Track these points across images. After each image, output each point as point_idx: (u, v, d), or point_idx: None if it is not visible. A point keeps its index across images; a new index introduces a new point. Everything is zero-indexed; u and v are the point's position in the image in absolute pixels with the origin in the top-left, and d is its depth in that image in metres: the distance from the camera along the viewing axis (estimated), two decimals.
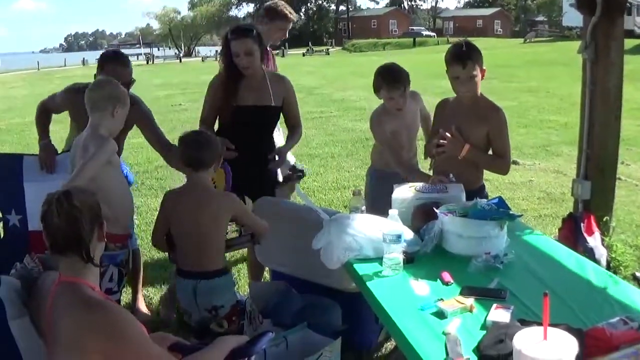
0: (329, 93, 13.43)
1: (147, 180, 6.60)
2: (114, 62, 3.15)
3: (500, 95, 11.50)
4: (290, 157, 3.52)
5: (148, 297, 3.74)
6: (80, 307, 1.68)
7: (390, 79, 3.02)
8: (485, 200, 2.51)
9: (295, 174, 3.52)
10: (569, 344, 1.46)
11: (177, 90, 14.57)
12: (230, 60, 3.12)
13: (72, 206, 1.74)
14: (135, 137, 9.40)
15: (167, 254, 2.83)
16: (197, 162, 2.53)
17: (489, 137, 2.83)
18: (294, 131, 3.36)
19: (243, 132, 3.23)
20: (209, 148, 2.56)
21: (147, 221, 5.12)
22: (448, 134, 2.82)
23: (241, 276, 4.05)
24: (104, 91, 2.66)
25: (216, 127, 3.34)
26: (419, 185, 2.77)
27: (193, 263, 2.53)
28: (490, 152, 2.88)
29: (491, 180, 6.00)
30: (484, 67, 2.79)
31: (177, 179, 6.58)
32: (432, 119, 3.10)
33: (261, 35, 3.14)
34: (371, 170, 3.44)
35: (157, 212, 2.65)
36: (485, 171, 2.98)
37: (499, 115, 2.82)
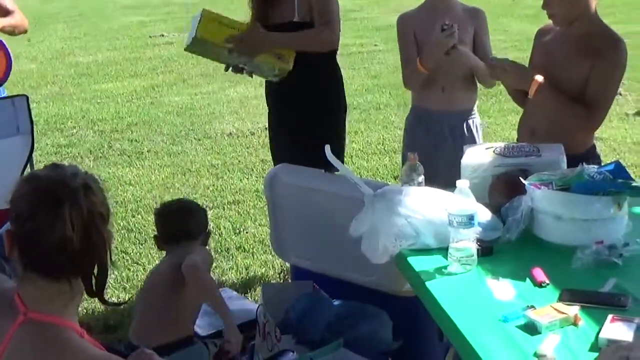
0: (372, 17, 13.34)
1: (117, 142, 6.71)
2: None
3: (622, 15, 11.26)
4: None
5: None
6: None
7: None
8: (596, 166, 2.49)
9: None
10: None
11: (157, 15, 14.63)
12: None
13: (95, 212, 1.64)
14: (99, 83, 9.59)
15: None
16: (176, 234, 2.97)
17: (590, 74, 2.81)
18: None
19: None
20: (191, 215, 3.02)
21: (117, 201, 5.22)
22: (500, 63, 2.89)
23: (250, 274, 4.12)
24: None
25: None
26: (498, 146, 2.78)
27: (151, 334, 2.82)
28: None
29: (606, 139, 5.95)
30: None
31: (159, 139, 6.68)
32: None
33: None
34: (410, 113, 3.65)
35: None
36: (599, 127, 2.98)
37: (616, 50, 2.81)
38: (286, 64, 3.32)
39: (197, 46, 3.32)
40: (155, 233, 3.13)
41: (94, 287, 1.67)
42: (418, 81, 3.41)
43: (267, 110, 3.75)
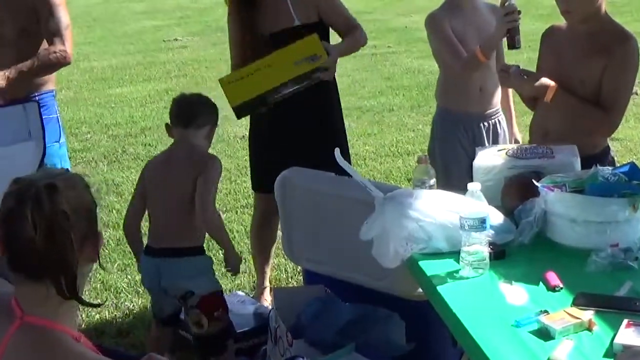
0: (385, 19, 13.32)
1: (131, 146, 6.72)
2: None
3: (632, 14, 11.19)
4: None
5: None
6: None
7: None
8: (610, 168, 2.47)
9: None
10: None
11: (171, 20, 14.68)
12: None
13: (58, 211, 1.63)
14: (113, 87, 9.58)
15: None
16: (186, 117, 3.08)
17: (603, 76, 2.80)
18: (348, 36, 3.50)
19: None
20: (202, 105, 3.15)
21: None
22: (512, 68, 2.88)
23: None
24: None
25: None
26: (511, 148, 2.76)
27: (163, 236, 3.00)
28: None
29: (622, 140, 5.90)
30: None
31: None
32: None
33: None
34: (436, 116, 3.57)
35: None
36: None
37: (627, 46, 2.80)
38: (323, 59, 3.26)
39: (244, 111, 3.37)
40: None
41: (65, 289, 1.65)
42: (478, 68, 3.30)
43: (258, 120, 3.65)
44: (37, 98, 3.58)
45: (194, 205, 2.98)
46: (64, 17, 3.53)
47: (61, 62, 3.53)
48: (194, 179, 2.99)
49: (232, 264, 3.14)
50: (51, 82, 3.70)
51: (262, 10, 3.38)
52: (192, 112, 3.13)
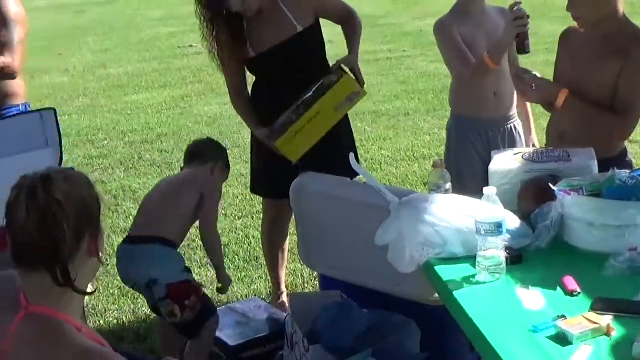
0: (400, 23, 13.31)
1: (147, 153, 6.76)
2: None
3: None
4: None
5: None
6: None
7: None
8: (628, 171, 2.46)
9: None
10: None
11: (186, 26, 14.73)
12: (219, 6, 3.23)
13: (51, 200, 1.69)
14: (129, 94, 9.60)
15: None
16: (190, 154, 3.34)
17: (619, 78, 2.79)
18: (348, 26, 3.52)
19: (276, 90, 3.38)
20: (207, 144, 3.44)
21: None
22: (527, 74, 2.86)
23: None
24: None
25: None
26: (527, 152, 2.75)
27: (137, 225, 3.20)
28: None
29: None
30: None
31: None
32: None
33: None
34: (450, 121, 3.56)
35: None
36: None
37: None
38: (361, 94, 3.35)
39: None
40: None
41: (59, 277, 1.71)
42: (487, 75, 3.27)
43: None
44: (3, 113, 3.62)
45: (171, 201, 3.15)
46: (18, 32, 3.62)
47: (7, 73, 3.60)
48: (182, 182, 3.24)
49: (222, 283, 3.27)
50: (21, 96, 3.74)
51: (257, 27, 3.33)
52: (196, 150, 3.38)
